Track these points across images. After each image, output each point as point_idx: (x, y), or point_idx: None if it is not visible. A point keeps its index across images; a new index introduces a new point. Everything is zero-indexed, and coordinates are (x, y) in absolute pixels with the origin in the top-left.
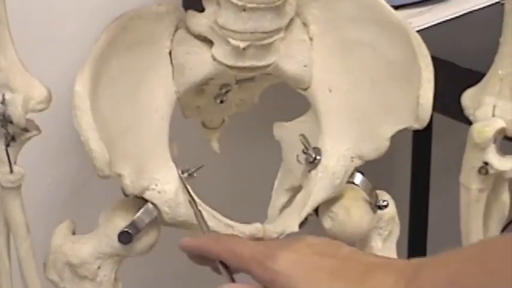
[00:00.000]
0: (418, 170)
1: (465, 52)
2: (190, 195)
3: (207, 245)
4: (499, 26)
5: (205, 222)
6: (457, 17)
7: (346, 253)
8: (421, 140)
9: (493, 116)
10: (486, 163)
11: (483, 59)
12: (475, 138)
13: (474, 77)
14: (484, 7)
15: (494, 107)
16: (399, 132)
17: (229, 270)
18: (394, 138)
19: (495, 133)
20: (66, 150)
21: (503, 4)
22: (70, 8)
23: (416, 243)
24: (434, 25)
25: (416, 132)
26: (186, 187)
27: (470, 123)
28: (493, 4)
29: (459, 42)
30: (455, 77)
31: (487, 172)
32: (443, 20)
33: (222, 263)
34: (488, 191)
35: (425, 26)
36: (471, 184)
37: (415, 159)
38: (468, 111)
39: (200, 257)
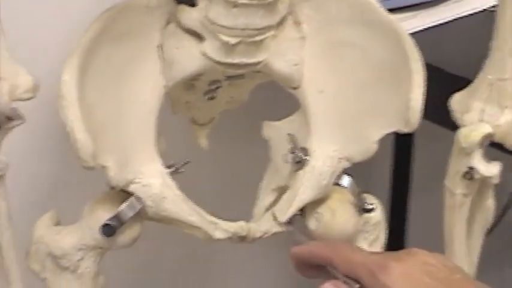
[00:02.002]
0: (398, 176)
1: (451, 58)
2: None
3: (319, 250)
4: (485, 33)
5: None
6: (444, 23)
7: (457, 280)
8: (402, 145)
9: (481, 121)
10: (471, 168)
11: (469, 65)
12: (462, 143)
13: (459, 83)
14: (471, 14)
15: (482, 112)
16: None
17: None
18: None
19: (482, 138)
20: (51, 141)
21: (490, 11)
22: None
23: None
24: (421, 30)
25: (398, 137)
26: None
27: (453, 129)
28: (480, 11)
29: (445, 47)
30: (440, 82)
31: (472, 177)
32: (430, 25)
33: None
34: (472, 196)
35: (412, 31)
36: (456, 188)
37: (396, 164)
38: (456, 115)
39: (305, 266)
